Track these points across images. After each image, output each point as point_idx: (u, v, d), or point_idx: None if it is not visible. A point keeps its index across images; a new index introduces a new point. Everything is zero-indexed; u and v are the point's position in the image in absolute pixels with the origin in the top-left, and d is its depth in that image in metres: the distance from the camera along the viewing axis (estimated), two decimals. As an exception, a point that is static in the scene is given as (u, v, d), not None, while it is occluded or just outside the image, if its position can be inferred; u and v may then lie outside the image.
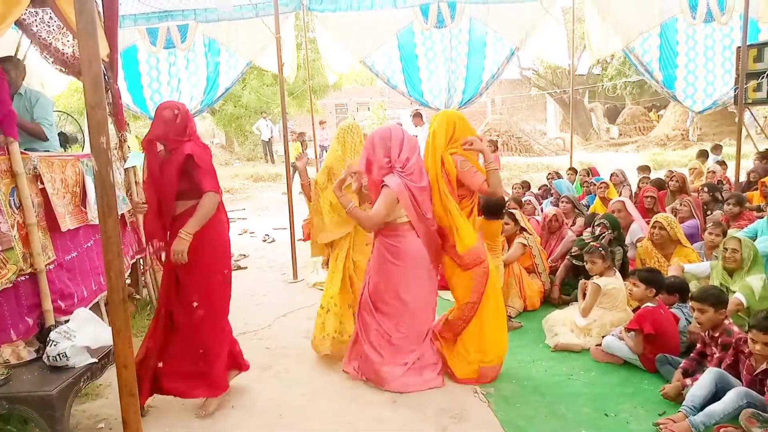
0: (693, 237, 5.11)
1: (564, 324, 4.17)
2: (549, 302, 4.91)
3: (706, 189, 6.30)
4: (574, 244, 5.10)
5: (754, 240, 4.23)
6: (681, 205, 5.69)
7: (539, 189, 8.20)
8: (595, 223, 4.97)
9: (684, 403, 2.90)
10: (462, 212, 3.38)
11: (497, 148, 9.81)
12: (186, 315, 3.05)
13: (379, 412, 3.13)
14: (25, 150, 3.25)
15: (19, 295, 3.02)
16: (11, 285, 2.90)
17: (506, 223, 5.00)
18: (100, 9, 4.33)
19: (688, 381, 3.11)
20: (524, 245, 4.93)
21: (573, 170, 8.62)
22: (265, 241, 8.29)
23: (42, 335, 2.98)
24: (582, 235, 5.26)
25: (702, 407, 2.83)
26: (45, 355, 2.72)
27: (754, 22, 7.55)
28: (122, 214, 4.41)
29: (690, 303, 3.35)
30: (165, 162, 3.02)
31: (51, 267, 3.29)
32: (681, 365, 3.30)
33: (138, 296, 4.84)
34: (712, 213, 5.84)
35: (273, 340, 4.28)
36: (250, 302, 5.27)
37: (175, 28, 7.99)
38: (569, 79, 11.93)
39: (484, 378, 3.43)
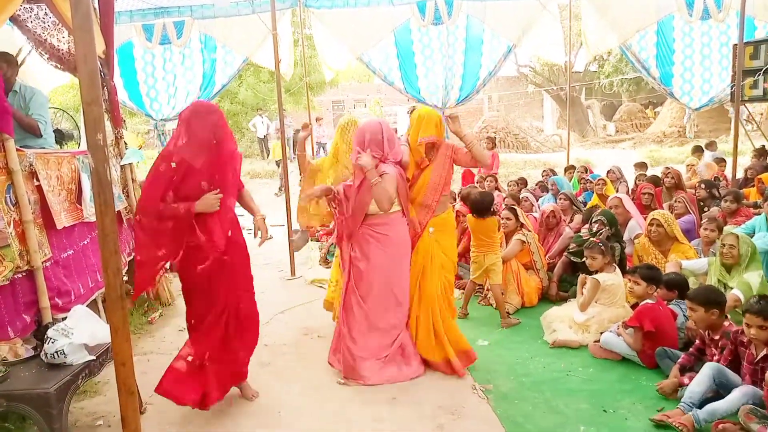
0: (689, 233, 5.12)
1: (562, 320, 4.18)
2: (547, 299, 4.93)
3: (703, 186, 6.31)
4: (571, 241, 5.12)
5: (751, 236, 4.24)
6: (676, 201, 5.70)
7: (536, 185, 8.20)
8: (593, 220, 4.98)
9: (682, 399, 2.90)
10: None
11: (495, 145, 9.79)
12: (254, 304, 3.25)
13: (377, 410, 3.14)
14: (20, 147, 3.23)
15: (16, 293, 3.01)
16: (8, 282, 2.90)
17: (507, 219, 5.02)
18: (96, 5, 4.31)
19: (685, 379, 3.11)
20: (523, 242, 4.93)
21: (571, 167, 8.62)
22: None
23: (39, 332, 2.97)
24: (579, 231, 5.27)
25: (700, 403, 2.83)
26: (43, 353, 2.70)
27: (750, 19, 7.58)
28: (118, 211, 4.39)
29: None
30: None
31: (47, 264, 3.28)
32: (679, 360, 3.30)
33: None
34: (709, 210, 5.86)
35: (271, 337, 4.27)
36: (247, 299, 5.26)
37: (171, 25, 7.95)
38: (566, 76, 11.94)
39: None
